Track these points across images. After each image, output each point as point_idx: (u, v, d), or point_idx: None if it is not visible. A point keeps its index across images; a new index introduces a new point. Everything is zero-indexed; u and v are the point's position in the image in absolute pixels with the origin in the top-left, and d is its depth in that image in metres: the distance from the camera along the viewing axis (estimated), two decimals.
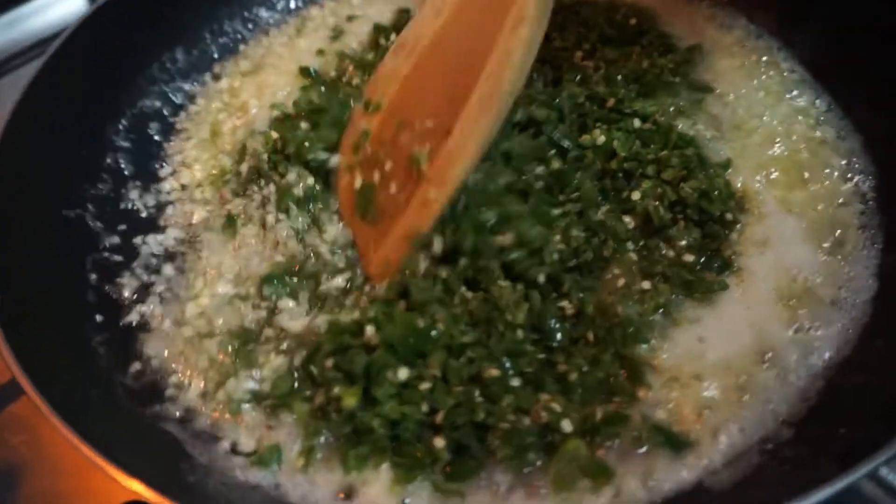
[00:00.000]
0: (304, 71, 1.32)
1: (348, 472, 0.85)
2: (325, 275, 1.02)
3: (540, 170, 1.03)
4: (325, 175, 1.11)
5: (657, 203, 0.99)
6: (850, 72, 1.12)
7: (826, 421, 0.83)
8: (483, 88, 0.93)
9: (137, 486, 0.71)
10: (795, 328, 0.92)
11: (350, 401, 0.85)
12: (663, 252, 0.97)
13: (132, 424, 0.90)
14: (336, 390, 0.86)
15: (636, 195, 1.01)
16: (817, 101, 1.15)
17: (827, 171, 1.06)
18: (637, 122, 1.08)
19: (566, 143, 1.05)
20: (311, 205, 1.08)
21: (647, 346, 0.91)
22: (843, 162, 1.07)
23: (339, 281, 1.01)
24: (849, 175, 1.05)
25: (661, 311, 0.93)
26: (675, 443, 0.84)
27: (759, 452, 0.83)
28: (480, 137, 0.94)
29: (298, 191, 1.09)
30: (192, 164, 1.22)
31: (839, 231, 1.00)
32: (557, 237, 0.96)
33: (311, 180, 1.10)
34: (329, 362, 0.89)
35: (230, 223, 1.11)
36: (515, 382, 0.86)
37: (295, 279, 1.01)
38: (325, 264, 1.03)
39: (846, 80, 1.13)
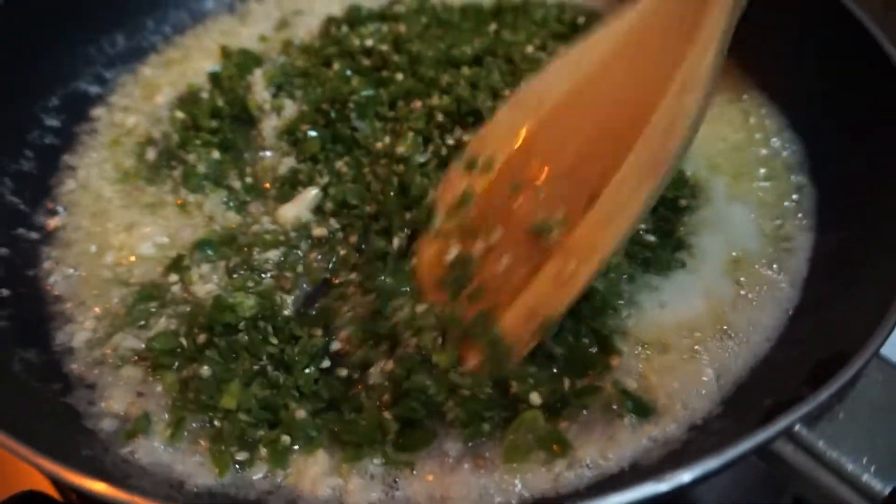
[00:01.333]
0: (224, 49, 1.29)
1: (274, 469, 0.77)
2: (257, 248, 0.97)
3: None
4: (232, 146, 1.09)
5: None
6: (786, 74, 1.16)
7: (753, 395, 0.82)
8: (643, 152, 0.79)
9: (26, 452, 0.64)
10: (738, 304, 0.92)
11: (229, 401, 0.78)
12: None
13: (32, 399, 0.82)
14: (204, 370, 0.81)
15: None
16: (756, 101, 1.19)
17: (766, 164, 1.10)
18: None
19: None
20: (223, 179, 1.06)
21: (616, 316, 0.89)
22: (782, 156, 1.11)
23: (273, 254, 0.97)
24: (787, 168, 1.09)
25: (625, 278, 0.92)
26: (639, 407, 0.81)
27: (689, 429, 0.81)
28: (638, 207, 0.78)
29: (202, 168, 1.06)
30: (99, 166, 1.15)
31: (778, 218, 1.02)
32: None
33: (216, 154, 1.07)
34: (202, 337, 0.84)
35: (148, 211, 1.06)
36: None
37: (228, 248, 0.97)
38: (258, 235, 0.99)
39: (782, 82, 1.17)
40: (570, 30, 1.30)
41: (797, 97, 1.13)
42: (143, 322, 0.89)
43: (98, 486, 0.61)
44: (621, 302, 0.90)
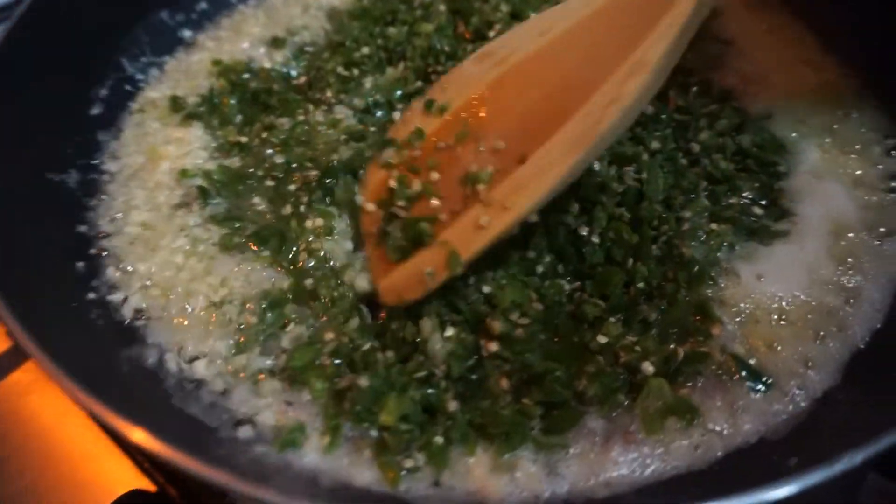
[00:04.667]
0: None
1: (439, 471, 0.77)
2: None
3: None
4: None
5: (719, 156, 1.02)
6: (854, 33, 1.16)
7: (873, 365, 0.84)
8: (577, 127, 0.83)
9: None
10: (842, 275, 0.93)
11: (388, 419, 0.77)
12: (731, 201, 1.00)
13: (143, 401, 0.81)
14: (362, 380, 0.80)
15: (695, 147, 1.04)
16: (827, 59, 1.20)
17: (853, 132, 1.10)
18: (681, 77, 1.12)
19: None
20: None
21: (714, 285, 0.91)
22: (865, 116, 1.11)
23: None
24: (874, 139, 1.08)
25: (725, 246, 0.94)
26: (753, 375, 0.84)
27: (813, 401, 0.83)
28: (559, 176, 0.83)
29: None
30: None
31: (872, 187, 1.03)
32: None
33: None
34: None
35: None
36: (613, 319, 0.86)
37: None
38: None
39: (851, 41, 1.17)
40: None
41: (877, 70, 1.13)
42: (273, 333, 0.89)
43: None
44: (717, 275, 0.92)
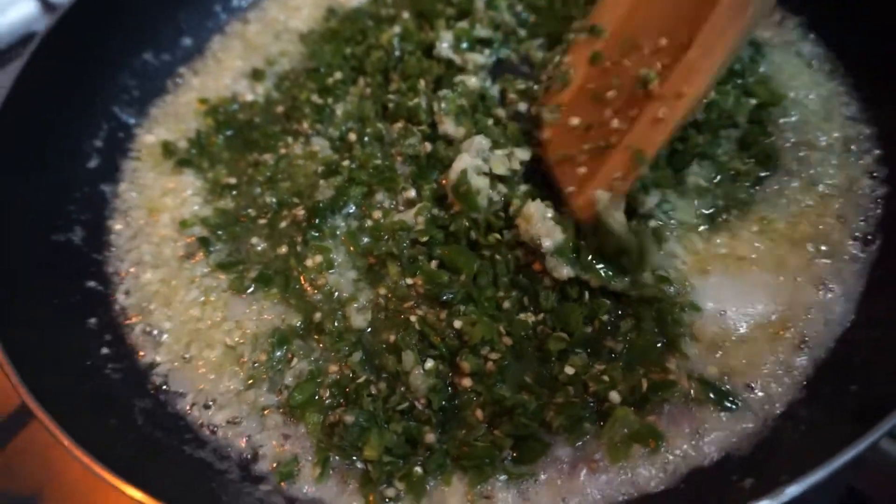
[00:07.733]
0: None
1: (418, 500, 0.85)
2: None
3: None
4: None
5: None
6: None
7: (836, 378, 0.85)
8: (729, 3, 0.85)
9: None
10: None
11: (371, 453, 0.85)
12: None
13: (156, 449, 0.89)
14: (348, 418, 0.87)
15: None
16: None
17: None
18: None
19: None
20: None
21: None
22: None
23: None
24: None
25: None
26: (723, 397, 0.86)
27: (776, 417, 0.85)
28: (725, 49, 0.86)
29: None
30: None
31: None
32: None
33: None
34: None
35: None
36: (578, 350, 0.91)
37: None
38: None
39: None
40: None
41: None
42: (280, 369, 0.96)
43: None
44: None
